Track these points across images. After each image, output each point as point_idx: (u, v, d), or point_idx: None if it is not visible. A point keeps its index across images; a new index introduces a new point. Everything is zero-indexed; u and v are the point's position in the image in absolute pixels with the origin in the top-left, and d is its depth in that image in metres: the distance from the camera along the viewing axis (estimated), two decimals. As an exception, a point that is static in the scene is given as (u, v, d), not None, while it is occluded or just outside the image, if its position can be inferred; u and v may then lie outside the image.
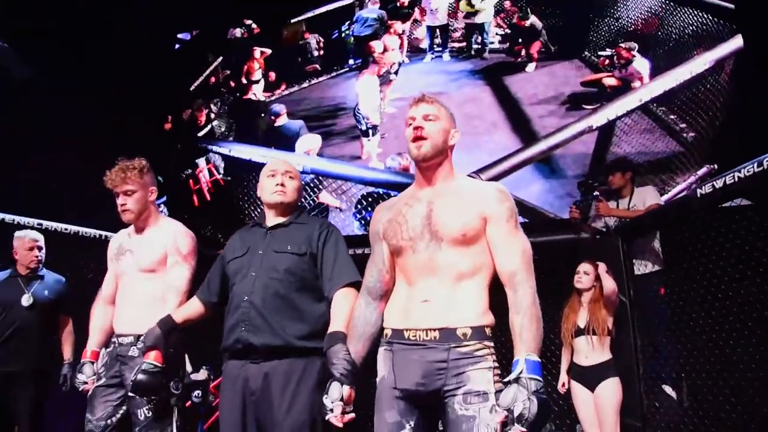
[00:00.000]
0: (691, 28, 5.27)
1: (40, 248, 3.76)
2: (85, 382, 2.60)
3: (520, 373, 1.60)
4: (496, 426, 1.61)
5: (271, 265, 2.20)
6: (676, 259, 3.90)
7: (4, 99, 5.79)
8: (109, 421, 2.47)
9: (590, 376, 3.51)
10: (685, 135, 5.08)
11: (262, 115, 6.85)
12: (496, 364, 1.73)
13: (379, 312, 1.94)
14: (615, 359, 3.52)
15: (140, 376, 2.24)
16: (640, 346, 3.68)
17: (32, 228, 4.05)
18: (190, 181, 6.70)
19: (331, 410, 1.79)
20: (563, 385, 3.65)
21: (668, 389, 3.80)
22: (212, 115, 7.15)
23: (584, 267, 3.70)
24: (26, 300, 3.64)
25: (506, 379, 1.64)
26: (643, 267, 3.96)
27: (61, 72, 5.99)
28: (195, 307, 2.40)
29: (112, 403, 2.50)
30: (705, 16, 5.19)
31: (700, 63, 5.03)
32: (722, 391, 3.56)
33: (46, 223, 4.23)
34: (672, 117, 5.16)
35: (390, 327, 1.83)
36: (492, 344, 1.75)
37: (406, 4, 6.69)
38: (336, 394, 1.79)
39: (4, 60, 5.81)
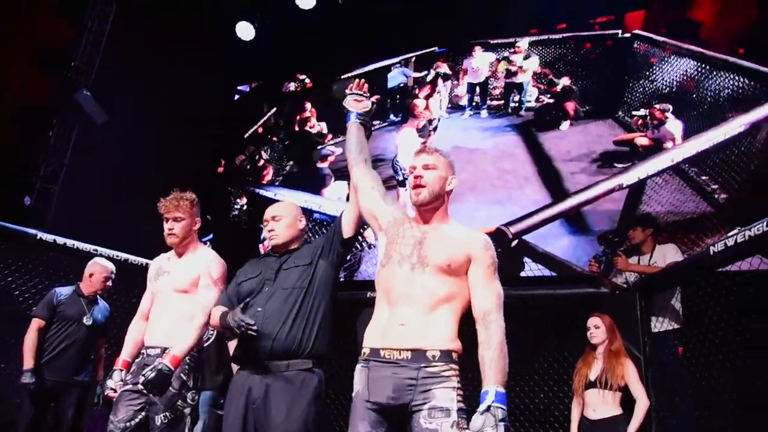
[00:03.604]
0: (726, 91, 5.29)
1: (110, 279, 4.16)
2: (113, 389, 2.83)
3: (491, 402, 1.74)
4: None
5: (282, 281, 2.42)
6: (696, 318, 3.84)
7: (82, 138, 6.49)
8: (128, 424, 2.68)
9: (599, 430, 3.45)
10: (716, 196, 5.03)
11: (318, 147, 7.34)
12: (460, 386, 1.87)
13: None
14: (626, 415, 3.47)
15: (152, 374, 2.48)
16: (655, 404, 3.61)
17: (89, 253, 4.52)
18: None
19: None
20: None
21: (684, 452, 3.67)
22: (262, 161, 7.64)
23: (594, 321, 3.68)
24: (87, 320, 4.02)
25: (479, 409, 1.78)
26: (659, 324, 3.90)
27: (133, 118, 6.65)
28: None
29: (133, 407, 2.72)
30: (741, 79, 5.21)
31: (735, 125, 5.03)
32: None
33: (101, 249, 4.67)
34: (704, 178, 5.13)
35: (368, 346, 2.00)
36: (457, 368, 1.90)
37: (446, 68, 7.06)
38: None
39: (85, 106, 6.47)
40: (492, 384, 1.77)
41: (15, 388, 4.06)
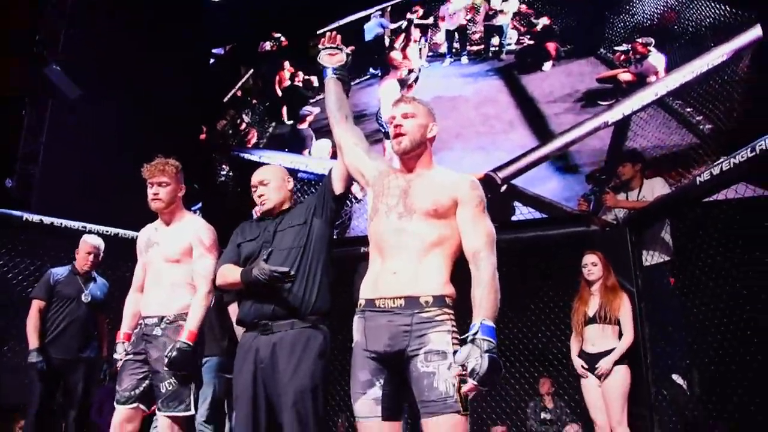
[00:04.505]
0: (708, 20, 5.24)
1: (96, 255, 4.16)
2: (118, 360, 2.88)
3: (475, 334, 1.77)
4: (453, 380, 1.79)
5: (279, 241, 2.44)
6: (686, 249, 3.92)
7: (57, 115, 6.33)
8: (133, 392, 2.73)
9: (598, 363, 3.55)
10: (701, 127, 5.04)
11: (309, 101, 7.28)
12: (455, 329, 1.90)
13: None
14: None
15: (174, 353, 2.56)
16: (648, 335, 3.71)
17: (76, 230, 4.48)
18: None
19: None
20: (581, 367, 3.64)
21: (678, 379, 3.81)
22: (244, 125, 7.52)
23: (590, 258, 3.74)
24: (85, 297, 4.08)
25: (461, 338, 1.83)
26: (650, 257, 3.97)
27: (107, 90, 6.48)
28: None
29: (136, 376, 2.76)
30: (722, 7, 5.15)
31: (718, 55, 5.01)
32: (732, 381, 3.56)
33: (89, 226, 4.62)
34: (688, 110, 5.13)
35: (364, 297, 2.02)
36: (452, 312, 1.93)
37: (421, 14, 6.89)
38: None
39: (58, 81, 6.29)
40: (480, 317, 1.80)
41: (20, 370, 4.11)
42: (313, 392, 2.26)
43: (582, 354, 3.68)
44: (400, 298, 1.91)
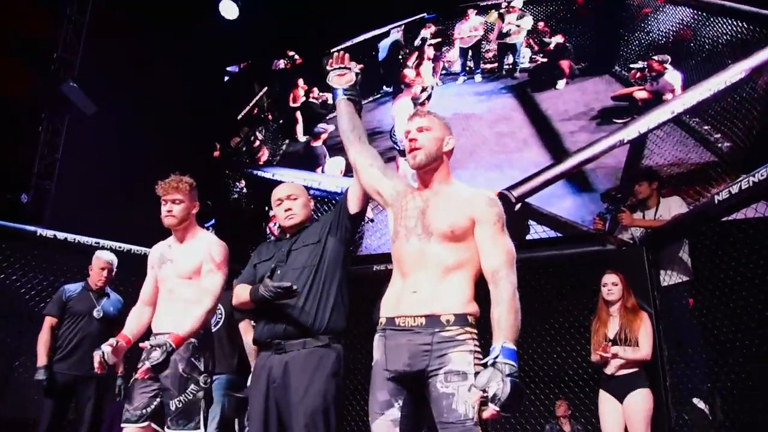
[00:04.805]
0: (725, 37, 5.20)
1: (110, 270, 4.16)
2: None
3: (496, 357, 1.72)
4: (473, 403, 1.74)
5: (294, 260, 2.43)
6: (705, 269, 3.83)
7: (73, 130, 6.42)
8: (144, 411, 2.71)
9: (619, 386, 3.45)
10: (719, 145, 4.97)
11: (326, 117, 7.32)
12: (478, 349, 1.85)
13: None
14: (645, 370, 3.46)
15: (155, 351, 2.59)
16: (667, 357, 3.62)
17: (89, 246, 4.49)
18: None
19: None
20: (605, 348, 3.46)
21: (699, 403, 3.69)
22: (257, 142, 7.56)
23: (611, 278, 3.65)
24: (97, 313, 4.05)
25: (482, 362, 1.77)
26: (668, 278, 3.89)
27: (122, 107, 6.56)
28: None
29: (147, 394, 2.73)
30: (739, 24, 5.11)
31: (736, 72, 4.96)
32: (756, 405, 3.45)
33: (102, 242, 4.64)
34: (706, 127, 5.07)
35: (384, 316, 1.99)
36: (474, 331, 1.88)
37: (434, 30, 6.92)
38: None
39: (75, 98, 6.38)
40: (501, 339, 1.75)
41: (32, 385, 4.10)
42: (325, 413, 2.22)
43: (604, 377, 3.58)
44: (421, 316, 1.87)
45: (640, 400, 3.39)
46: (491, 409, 1.67)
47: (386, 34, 7.18)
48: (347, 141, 2.30)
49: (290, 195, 2.56)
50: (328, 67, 2.43)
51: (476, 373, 1.77)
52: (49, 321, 3.99)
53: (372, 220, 6.04)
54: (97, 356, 2.69)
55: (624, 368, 3.47)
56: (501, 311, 1.80)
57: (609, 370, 3.53)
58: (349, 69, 2.40)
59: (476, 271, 1.94)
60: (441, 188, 2.04)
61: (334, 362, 2.30)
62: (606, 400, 3.51)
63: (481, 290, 1.93)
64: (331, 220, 2.48)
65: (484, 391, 1.69)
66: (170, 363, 2.69)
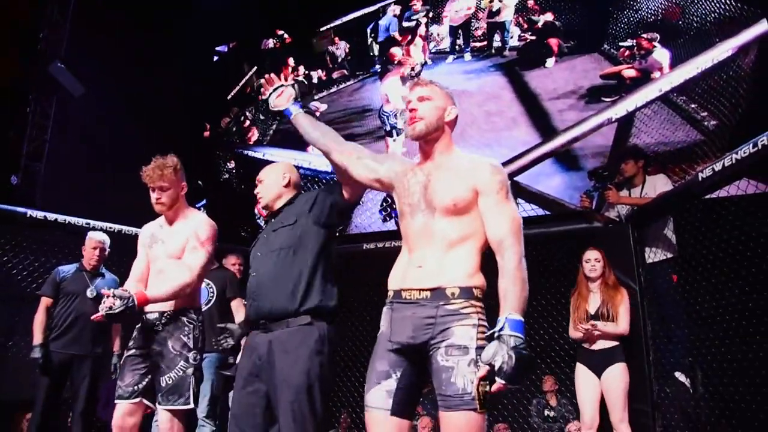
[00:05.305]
0: (713, 15, 5.19)
1: (102, 250, 4.21)
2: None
3: (501, 329, 1.71)
4: (472, 377, 1.75)
5: (271, 243, 2.46)
6: (689, 246, 3.89)
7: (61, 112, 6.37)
8: (135, 387, 2.78)
9: (597, 361, 3.53)
10: (706, 123, 5.00)
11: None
12: (483, 322, 1.84)
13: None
14: (623, 345, 3.55)
15: (117, 302, 2.55)
16: (651, 332, 3.69)
17: (80, 227, 4.51)
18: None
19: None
20: (593, 326, 3.51)
21: (681, 376, 3.78)
22: (248, 122, 7.53)
23: (594, 254, 3.69)
24: (90, 293, 4.10)
25: (487, 334, 1.77)
26: (654, 255, 3.95)
27: (110, 88, 6.51)
28: None
29: (138, 371, 2.80)
30: (727, 2, 5.10)
31: (723, 50, 4.97)
32: (735, 380, 3.53)
33: (93, 222, 4.64)
34: (693, 106, 5.09)
35: (392, 288, 2.00)
36: (480, 304, 1.87)
37: (419, 7, 6.86)
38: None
39: (62, 80, 6.31)
40: (506, 311, 1.73)
41: (28, 365, 4.15)
42: (309, 391, 2.24)
43: (581, 350, 3.64)
44: (426, 290, 1.87)
45: (618, 374, 3.46)
46: (498, 383, 1.67)
47: (383, 12, 7.08)
48: (324, 148, 2.29)
49: (258, 179, 2.61)
50: (263, 96, 2.43)
51: (478, 348, 1.77)
52: (44, 301, 4.06)
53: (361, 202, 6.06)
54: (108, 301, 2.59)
55: (603, 343, 3.55)
56: (507, 283, 1.78)
57: (588, 344, 3.61)
58: (284, 85, 2.41)
59: (483, 243, 1.92)
60: (442, 159, 2.02)
61: (317, 340, 2.29)
62: (583, 374, 3.57)
63: (490, 261, 1.91)
64: (312, 201, 2.48)
65: (491, 365, 1.68)
66: (161, 340, 2.75)
